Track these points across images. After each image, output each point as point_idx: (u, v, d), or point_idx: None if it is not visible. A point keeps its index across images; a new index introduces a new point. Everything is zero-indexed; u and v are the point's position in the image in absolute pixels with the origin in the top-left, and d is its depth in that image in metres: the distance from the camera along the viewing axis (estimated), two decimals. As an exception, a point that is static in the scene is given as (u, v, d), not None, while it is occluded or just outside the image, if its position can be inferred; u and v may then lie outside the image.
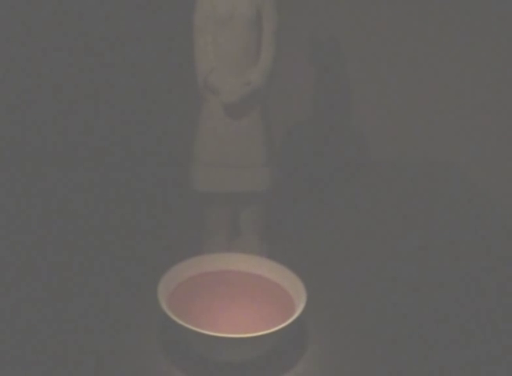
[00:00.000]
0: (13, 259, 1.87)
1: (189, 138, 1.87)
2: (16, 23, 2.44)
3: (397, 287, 1.84)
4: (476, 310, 1.74)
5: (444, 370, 1.51)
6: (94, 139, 2.61)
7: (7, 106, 2.56)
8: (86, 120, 2.60)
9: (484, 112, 2.61)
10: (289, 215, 2.22)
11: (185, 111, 2.14)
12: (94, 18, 2.47)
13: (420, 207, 2.33)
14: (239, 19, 1.71)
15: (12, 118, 2.58)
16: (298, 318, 1.47)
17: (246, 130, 1.80)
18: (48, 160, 2.53)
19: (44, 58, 2.51)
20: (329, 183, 2.48)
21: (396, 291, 1.82)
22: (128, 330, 1.60)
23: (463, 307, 1.75)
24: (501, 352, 1.57)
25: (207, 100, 1.80)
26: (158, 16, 2.47)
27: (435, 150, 2.66)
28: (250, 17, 1.72)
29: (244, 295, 1.63)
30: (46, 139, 2.60)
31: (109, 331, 1.60)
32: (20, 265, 1.85)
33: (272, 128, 1.87)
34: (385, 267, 1.93)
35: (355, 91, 2.62)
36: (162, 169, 2.50)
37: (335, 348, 1.58)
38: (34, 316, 1.63)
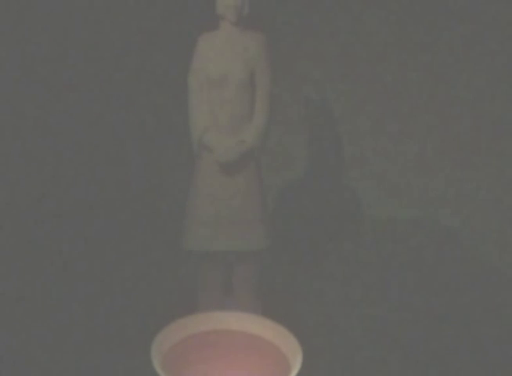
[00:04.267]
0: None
1: (184, 196, 1.88)
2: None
3: (394, 347, 1.82)
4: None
5: None
6: (91, 196, 2.61)
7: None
8: (84, 177, 2.61)
9: (481, 171, 2.61)
10: (283, 273, 2.21)
11: (180, 170, 2.15)
12: (92, 87, 2.51)
13: (417, 265, 2.32)
14: (233, 80, 1.75)
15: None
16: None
17: (241, 188, 1.81)
18: (46, 226, 2.51)
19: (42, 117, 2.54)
20: (325, 241, 2.47)
21: (393, 351, 1.80)
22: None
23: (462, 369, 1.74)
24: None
25: (202, 159, 1.81)
26: (153, 77, 2.51)
27: (430, 209, 2.66)
28: (243, 79, 1.75)
29: (238, 355, 1.61)
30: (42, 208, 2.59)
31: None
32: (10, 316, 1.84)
33: (266, 186, 1.88)
34: (382, 327, 1.92)
35: (348, 149, 2.64)
36: (157, 227, 2.50)
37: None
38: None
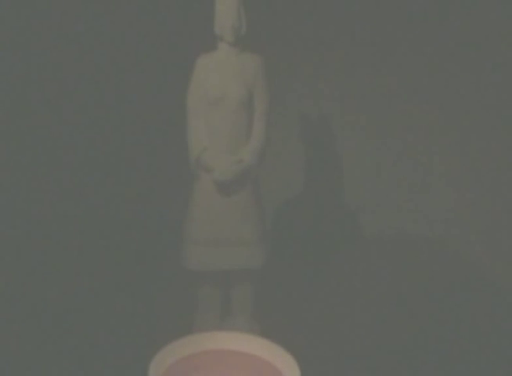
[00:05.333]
0: None
1: (181, 216, 1.88)
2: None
3: (392, 365, 1.81)
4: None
5: None
6: (88, 216, 2.61)
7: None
8: (81, 196, 2.61)
9: (479, 185, 2.63)
10: (281, 292, 2.20)
11: (177, 189, 2.16)
12: (91, 103, 2.52)
13: (414, 282, 2.31)
14: (231, 100, 1.76)
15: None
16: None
17: (238, 207, 1.81)
18: (43, 248, 2.51)
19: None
20: (323, 259, 2.47)
21: (392, 369, 1.79)
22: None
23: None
24: None
25: (199, 178, 1.82)
26: (152, 97, 2.52)
27: (428, 224, 2.67)
28: (241, 98, 1.76)
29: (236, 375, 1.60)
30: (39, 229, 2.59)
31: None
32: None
33: (264, 205, 1.88)
34: (382, 347, 1.91)
35: (347, 166, 2.65)
36: (153, 247, 2.49)
37: None
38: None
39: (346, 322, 2.04)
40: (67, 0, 2.44)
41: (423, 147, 2.64)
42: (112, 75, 2.51)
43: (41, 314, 2.01)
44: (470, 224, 2.65)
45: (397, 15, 2.51)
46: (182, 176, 1.99)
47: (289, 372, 1.55)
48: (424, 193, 2.66)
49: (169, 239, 2.23)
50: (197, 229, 1.82)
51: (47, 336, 1.89)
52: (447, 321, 2.07)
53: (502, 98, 2.53)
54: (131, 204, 2.62)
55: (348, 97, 2.58)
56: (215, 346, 1.69)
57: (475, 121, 2.58)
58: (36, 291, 2.14)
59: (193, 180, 1.84)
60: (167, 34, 2.48)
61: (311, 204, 2.69)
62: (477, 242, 2.61)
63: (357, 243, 2.64)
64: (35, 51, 2.47)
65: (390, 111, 2.61)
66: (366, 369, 1.80)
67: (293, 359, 1.57)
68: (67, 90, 2.52)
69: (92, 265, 2.33)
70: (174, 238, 1.98)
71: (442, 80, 2.56)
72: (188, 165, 1.83)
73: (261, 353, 1.66)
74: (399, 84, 2.58)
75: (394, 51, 2.55)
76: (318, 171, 2.66)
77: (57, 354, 1.80)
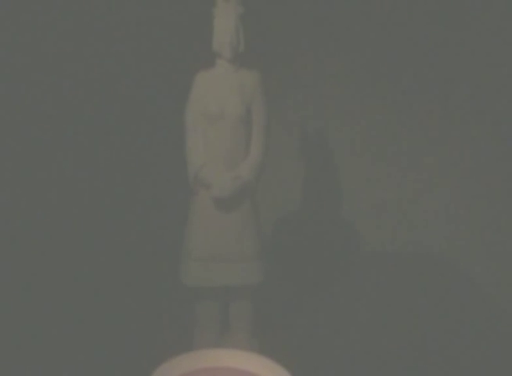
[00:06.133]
0: None
1: (179, 232, 1.88)
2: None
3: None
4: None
5: None
6: (87, 232, 2.60)
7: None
8: (80, 212, 2.61)
9: (478, 199, 2.63)
10: (280, 309, 2.19)
11: (176, 205, 2.15)
12: (89, 121, 2.53)
13: (411, 298, 2.31)
14: (229, 116, 1.77)
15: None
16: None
17: (237, 224, 1.81)
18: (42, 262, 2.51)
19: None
20: (322, 276, 2.46)
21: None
22: None
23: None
24: None
25: (198, 194, 1.82)
26: (150, 113, 2.53)
27: (426, 240, 2.67)
28: (240, 114, 1.77)
29: (235, 393, 1.59)
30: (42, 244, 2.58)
31: None
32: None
33: (262, 222, 1.88)
34: (381, 364, 1.90)
35: (345, 183, 2.65)
36: (152, 262, 2.48)
37: None
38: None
39: (346, 339, 2.03)
40: (67, 19, 2.46)
41: (423, 160, 2.64)
42: (111, 90, 2.51)
43: (40, 328, 2.00)
44: (470, 238, 2.64)
45: (394, 28, 2.52)
46: (180, 192, 1.99)
47: (288, 390, 1.54)
48: (424, 207, 2.66)
49: (168, 255, 2.22)
50: (196, 244, 1.82)
51: (46, 349, 1.88)
52: (448, 334, 2.06)
53: (502, 115, 2.53)
54: (130, 220, 2.62)
55: (346, 112, 2.59)
56: (214, 363, 1.68)
57: (474, 136, 2.58)
58: (36, 306, 2.13)
59: (192, 196, 1.84)
60: (166, 50, 2.49)
61: (309, 220, 2.69)
62: (478, 255, 2.60)
63: (356, 258, 2.64)
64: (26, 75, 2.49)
65: (388, 125, 2.62)
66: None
67: (291, 376, 1.57)
68: (67, 109, 2.53)
69: (92, 280, 2.32)
70: (172, 254, 1.97)
71: (441, 92, 2.57)
72: (186, 181, 1.83)
73: (259, 371, 1.65)
74: (397, 97, 2.59)
75: (393, 64, 2.56)
76: (316, 186, 2.66)
77: (57, 369, 1.79)
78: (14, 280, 2.22)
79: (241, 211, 1.81)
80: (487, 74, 2.51)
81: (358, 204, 2.65)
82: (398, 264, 2.59)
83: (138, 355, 1.87)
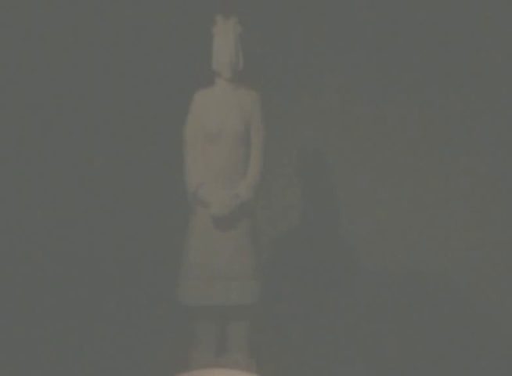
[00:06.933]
0: None
1: (178, 251, 1.87)
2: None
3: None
4: None
5: None
6: (86, 253, 2.59)
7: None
8: (80, 232, 2.60)
9: (475, 220, 2.62)
10: (277, 328, 2.18)
11: (175, 224, 2.15)
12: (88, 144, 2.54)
13: (410, 316, 2.30)
14: (228, 135, 1.77)
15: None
16: None
17: (235, 242, 1.81)
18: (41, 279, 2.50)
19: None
20: (319, 295, 2.45)
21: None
22: None
23: None
24: None
25: (196, 213, 1.82)
26: (149, 132, 2.53)
27: (424, 258, 2.65)
28: (238, 133, 1.78)
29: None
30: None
31: None
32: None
33: (261, 240, 1.88)
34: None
35: (343, 200, 2.65)
36: (149, 281, 2.47)
37: None
38: None
39: (344, 359, 2.02)
40: (66, 31, 2.47)
41: (422, 177, 2.64)
42: (110, 108, 2.52)
43: (40, 352, 1.99)
44: (469, 255, 2.63)
45: (389, 48, 2.54)
46: (178, 211, 1.99)
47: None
48: (423, 223, 2.66)
49: (166, 274, 2.22)
50: (194, 262, 1.81)
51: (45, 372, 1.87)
52: (448, 351, 2.06)
53: (502, 142, 2.55)
54: (129, 239, 2.61)
55: (344, 130, 2.60)
56: (211, 383, 1.67)
57: (473, 156, 2.59)
58: (36, 328, 2.12)
59: (190, 215, 1.84)
60: (165, 69, 2.50)
61: (308, 238, 2.68)
62: (476, 272, 2.60)
63: (355, 277, 2.63)
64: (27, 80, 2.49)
65: (386, 145, 2.62)
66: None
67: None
68: (66, 128, 2.54)
69: (89, 299, 2.31)
70: (170, 273, 1.97)
71: (438, 111, 2.58)
72: (184, 200, 1.83)
73: (257, 391, 1.64)
74: (395, 115, 2.60)
75: (389, 83, 2.57)
76: (315, 205, 2.66)
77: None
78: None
79: (239, 229, 1.81)
80: (487, 105, 2.53)
81: (357, 223, 2.65)
82: (396, 283, 2.58)
83: (137, 374, 1.86)
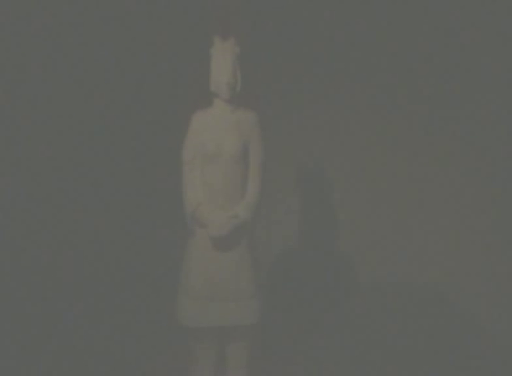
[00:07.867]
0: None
1: (177, 272, 1.87)
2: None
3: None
4: None
5: None
6: (86, 270, 2.58)
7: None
8: (79, 251, 2.59)
9: (474, 237, 2.62)
10: (277, 349, 2.17)
11: (173, 245, 2.15)
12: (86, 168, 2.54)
13: (411, 333, 2.29)
14: (226, 155, 1.77)
15: None
16: None
17: (234, 263, 1.80)
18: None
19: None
20: (318, 314, 2.44)
21: None
22: None
23: None
24: None
25: (195, 234, 1.81)
26: (147, 152, 2.53)
27: (424, 273, 2.65)
28: (237, 154, 1.78)
29: None
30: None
31: None
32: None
33: (259, 260, 1.87)
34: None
35: (341, 218, 2.64)
36: (148, 302, 2.46)
37: None
38: None
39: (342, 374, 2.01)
40: (65, 38, 2.47)
41: (420, 194, 2.64)
42: (109, 129, 2.52)
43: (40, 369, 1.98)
44: (468, 271, 2.63)
45: (388, 65, 2.55)
46: (177, 232, 1.99)
47: None
48: (421, 241, 2.66)
49: (164, 295, 2.21)
50: (193, 284, 1.80)
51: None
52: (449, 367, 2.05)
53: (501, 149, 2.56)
54: (128, 259, 2.60)
55: (342, 149, 2.60)
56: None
57: (472, 171, 2.59)
58: (35, 342, 2.11)
59: (188, 235, 1.84)
60: (164, 90, 2.50)
61: (306, 258, 2.67)
62: (475, 288, 2.59)
63: (354, 297, 2.62)
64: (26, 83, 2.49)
65: (384, 159, 2.62)
66: None
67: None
68: (66, 138, 2.54)
69: (88, 320, 2.30)
70: (169, 294, 1.96)
71: (436, 128, 2.59)
72: (183, 220, 1.82)
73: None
74: (393, 132, 2.60)
75: (387, 101, 2.58)
76: (313, 224, 2.66)
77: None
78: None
79: (238, 250, 1.80)
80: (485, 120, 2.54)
81: (356, 241, 2.65)
82: (395, 302, 2.57)
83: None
